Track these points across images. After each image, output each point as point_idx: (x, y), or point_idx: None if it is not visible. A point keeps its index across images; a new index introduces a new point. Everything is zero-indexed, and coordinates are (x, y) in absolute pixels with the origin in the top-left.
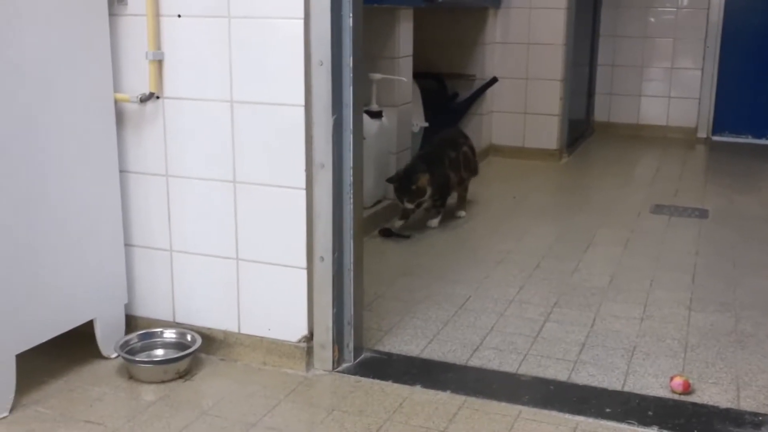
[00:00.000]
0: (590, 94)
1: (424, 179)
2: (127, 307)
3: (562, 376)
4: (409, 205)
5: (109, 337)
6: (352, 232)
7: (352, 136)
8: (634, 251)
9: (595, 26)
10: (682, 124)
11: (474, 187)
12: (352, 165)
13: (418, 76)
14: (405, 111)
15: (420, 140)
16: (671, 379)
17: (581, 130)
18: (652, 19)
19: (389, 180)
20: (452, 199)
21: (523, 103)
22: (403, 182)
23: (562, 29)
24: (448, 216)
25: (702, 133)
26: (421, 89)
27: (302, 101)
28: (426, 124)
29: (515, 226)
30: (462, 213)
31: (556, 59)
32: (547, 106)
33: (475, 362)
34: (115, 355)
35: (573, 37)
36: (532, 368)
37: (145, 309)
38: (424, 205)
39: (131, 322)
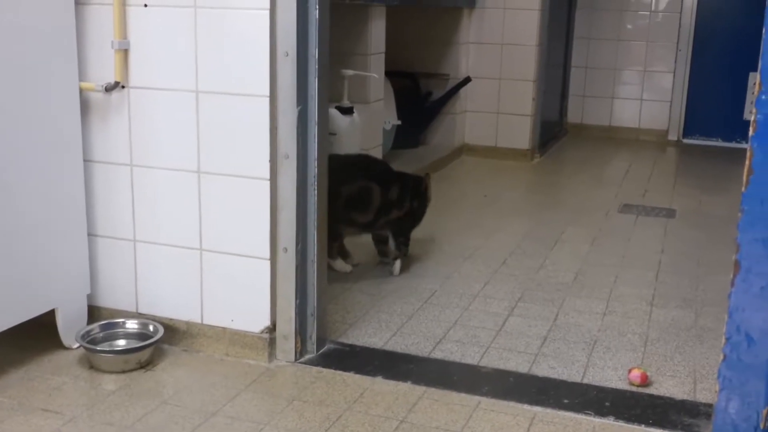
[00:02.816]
0: (563, 95)
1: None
2: (90, 297)
3: (522, 369)
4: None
5: (70, 327)
6: (316, 223)
7: (317, 127)
8: (600, 249)
9: (569, 28)
10: (654, 126)
11: (446, 186)
12: (317, 156)
13: (391, 74)
14: (377, 108)
15: (392, 138)
16: (629, 371)
17: (554, 130)
18: (628, 24)
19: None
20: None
21: (496, 104)
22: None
23: (536, 30)
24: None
25: (673, 136)
26: (395, 87)
27: (267, 92)
28: (398, 122)
29: (485, 224)
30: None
31: (529, 60)
32: (520, 106)
33: (437, 354)
34: (76, 345)
35: (547, 38)
36: (493, 361)
37: (108, 299)
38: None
39: (94, 313)
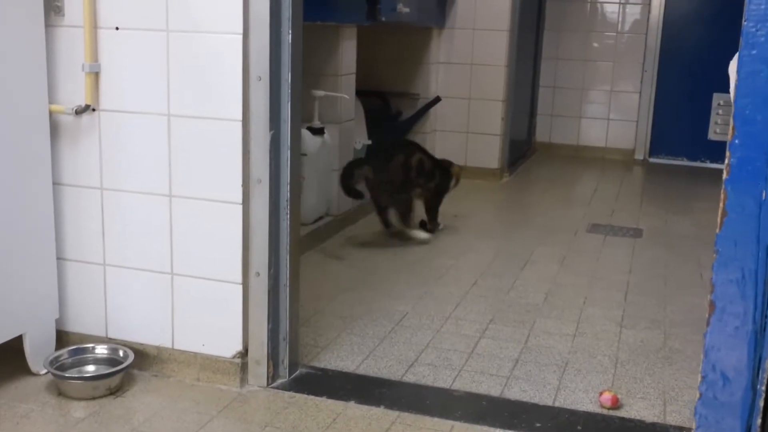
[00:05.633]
0: (532, 114)
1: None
2: (59, 322)
3: (495, 392)
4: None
5: (38, 352)
6: (288, 247)
7: (289, 151)
8: (569, 269)
9: (537, 48)
10: (621, 145)
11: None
12: (289, 181)
13: (362, 94)
14: (347, 128)
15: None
16: (600, 394)
17: (523, 150)
18: (594, 44)
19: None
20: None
21: (466, 123)
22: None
23: (504, 50)
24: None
25: (639, 155)
26: (365, 107)
27: (240, 116)
28: (369, 142)
29: (455, 244)
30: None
31: (498, 80)
32: (489, 125)
33: (409, 378)
34: (44, 371)
35: (515, 58)
36: (465, 384)
37: (77, 324)
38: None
39: (63, 338)
